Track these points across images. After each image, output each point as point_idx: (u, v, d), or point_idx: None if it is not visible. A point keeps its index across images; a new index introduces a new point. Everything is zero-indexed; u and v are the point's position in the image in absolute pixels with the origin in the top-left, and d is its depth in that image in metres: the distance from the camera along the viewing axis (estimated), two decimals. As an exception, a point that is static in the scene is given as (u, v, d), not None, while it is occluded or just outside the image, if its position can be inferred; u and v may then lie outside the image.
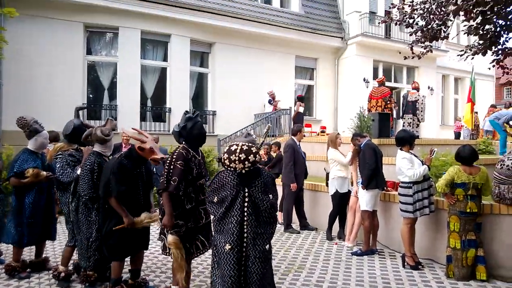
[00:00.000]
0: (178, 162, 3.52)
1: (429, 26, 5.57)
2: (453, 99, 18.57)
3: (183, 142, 3.72)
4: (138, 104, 11.43)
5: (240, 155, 2.85)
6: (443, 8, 5.30)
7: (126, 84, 11.27)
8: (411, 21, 5.80)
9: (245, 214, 2.88)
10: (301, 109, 11.98)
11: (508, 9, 4.91)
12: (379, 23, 13.66)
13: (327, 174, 6.64)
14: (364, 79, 14.61)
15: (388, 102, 10.26)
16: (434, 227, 5.24)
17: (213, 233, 3.08)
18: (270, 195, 2.96)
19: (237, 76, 12.73)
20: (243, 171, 2.87)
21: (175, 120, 11.65)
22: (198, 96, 13.11)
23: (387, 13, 15.60)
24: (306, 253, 5.69)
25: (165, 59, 12.15)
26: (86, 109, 10.99)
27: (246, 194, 2.90)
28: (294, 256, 5.56)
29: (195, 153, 3.71)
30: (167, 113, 11.96)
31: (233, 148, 2.91)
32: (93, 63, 11.50)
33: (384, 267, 5.08)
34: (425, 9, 5.58)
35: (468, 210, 4.48)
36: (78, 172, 4.18)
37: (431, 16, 5.47)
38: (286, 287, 4.38)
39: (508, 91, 26.93)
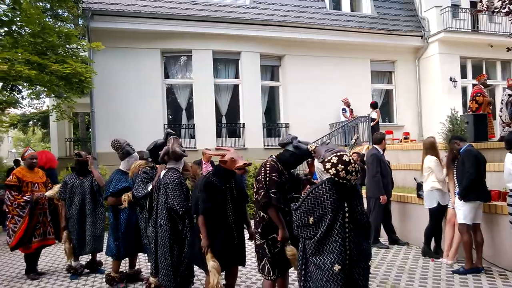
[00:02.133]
0: (273, 174, 3.41)
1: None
2: None
3: (274, 156, 3.60)
4: (213, 121, 11.63)
5: (355, 166, 2.71)
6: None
7: (201, 103, 11.57)
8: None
9: (347, 230, 2.68)
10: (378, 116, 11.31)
11: None
12: (472, 13, 12.38)
13: (418, 184, 6.00)
14: (451, 79, 13.34)
15: (473, 101, 9.10)
16: None
17: (306, 256, 2.86)
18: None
19: (309, 87, 12.41)
20: (349, 184, 2.71)
21: (249, 135, 11.69)
22: (270, 110, 13.01)
23: (473, 4, 14.28)
24: (399, 270, 5.12)
25: (236, 76, 12.27)
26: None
27: (347, 209, 2.71)
28: (385, 273, 5.02)
29: (283, 168, 3.56)
30: (241, 128, 11.99)
31: (345, 158, 2.71)
32: (171, 86, 12.00)
33: (495, 289, 4.33)
34: (531, -10, 4.71)
35: None
36: (149, 188, 4.29)
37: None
38: (379, 311, 3.89)
39: None
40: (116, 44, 10.86)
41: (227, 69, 12.31)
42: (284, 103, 12.56)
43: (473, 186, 4.80)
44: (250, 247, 5.86)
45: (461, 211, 4.90)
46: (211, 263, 3.51)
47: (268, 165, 3.47)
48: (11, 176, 5.50)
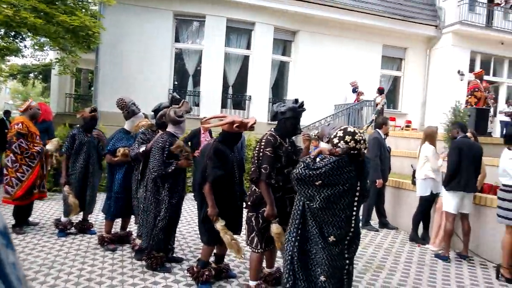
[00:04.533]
0: (267, 149, 3.38)
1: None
2: None
3: (273, 129, 3.61)
4: (220, 91, 11.67)
5: (361, 135, 2.75)
6: None
7: (209, 71, 11.56)
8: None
9: (354, 209, 2.74)
10: (384, 102, 11.36)
11: None
12: (495, 4, 12.25)
13: (414, 172, 6.16)
14: (459, 72, 13.34)
15: (470, 96, 9.25)
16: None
17: (306, 215, 2.86)
18: None
19: (319, 66, 12.41)
20: (360, 155, 2.74)
21: (255, 108, 11.75)
22: (278, 85, 13.05)
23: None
24: (386, 253, 5.35)
25: (248, 47, 12.23)
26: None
27: (358, 188, 2.74)
28: (372, 254, 5.26)
29: (283, 140, 3.56)
30: (247, 101, 12.07)
31: (349, 129, 2.78)
32: (180, 51, 11.97)
33: (474, 277, 4.59)
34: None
35: None
36: (142, 149, 4.27)
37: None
38: (364, 287, 4.13)
39: None
40: (128, 1, 10.71)
41: (239, 39, 12.25)
42: (293, 79, 12.59)
43: (453, 175, 5.00)
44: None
45: (445, 199, 5.17)
46: (228, 236, 3.55)
47: (264, 140, 3.46)
48: (20, 124, 5.19)
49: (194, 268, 3.82)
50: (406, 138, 9.51)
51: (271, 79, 12.44)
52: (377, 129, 6.77)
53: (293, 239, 2.87)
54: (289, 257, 2.87)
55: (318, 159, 2.83)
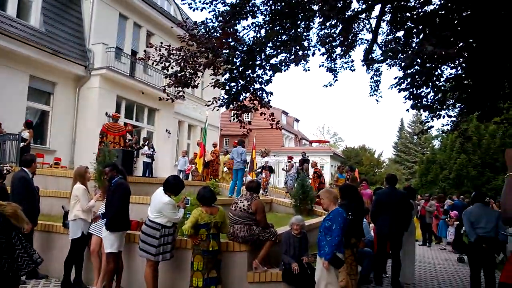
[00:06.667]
0: None
1: (183, 73, 5.94)
2: (186, 143, 20.50)
3: None
4: None
5: None
6: (195, 59, 5.79)
7: None
8: (167, 64, 6.00)
9: None
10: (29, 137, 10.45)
11: (247, 72, 5.88)
12: (140, 58, 13.83)
13: (66, 213, 5.90)
14: (106, 113, 14.18)
15: (129, 140, 10.34)
16: (177, 267, 5.34)
17: None
18: None
19: None
20: None
21: None
22: None
23: (133, 52, 16.15)
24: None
25: None
26: None
27: None
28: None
29: None
30: None
31: None
32: None
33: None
34: (181, 56, 5.92)
35: (210, 249, 4.75)
36: None
37: (185, 64, 5.85)
38: None
39: (226, 141, 32.44)
40: None
41: None
42: None
43: (119, 217, 5.23)
44: None
45: (108, 241, 5.20)
46: None
47: None
48: None
49: None
50: (56, 176, 9.05)
51: None
52: (23, 168, 6.07)
53: None
54: None
55: None
